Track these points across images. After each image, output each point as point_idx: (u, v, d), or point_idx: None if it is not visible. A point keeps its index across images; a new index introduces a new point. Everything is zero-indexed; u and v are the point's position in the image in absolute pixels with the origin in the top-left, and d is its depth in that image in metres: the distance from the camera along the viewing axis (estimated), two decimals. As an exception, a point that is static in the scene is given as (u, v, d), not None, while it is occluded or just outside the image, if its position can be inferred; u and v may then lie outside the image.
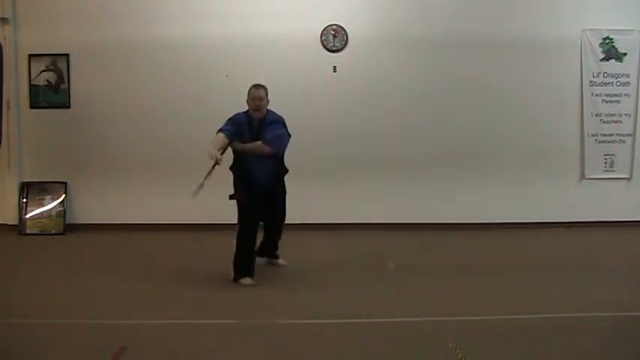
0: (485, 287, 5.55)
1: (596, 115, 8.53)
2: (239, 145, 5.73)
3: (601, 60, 8.48)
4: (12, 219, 8.22)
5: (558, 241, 7.88)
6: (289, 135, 5.87)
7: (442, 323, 4.52)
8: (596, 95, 8.52)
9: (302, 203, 7.11)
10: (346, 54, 8.27)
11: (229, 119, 5.83)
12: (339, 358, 3.97)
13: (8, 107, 8.01)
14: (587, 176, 8.55)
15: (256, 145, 5.66)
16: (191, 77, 8.22)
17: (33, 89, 8.23)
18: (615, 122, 8.56)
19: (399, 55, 8.26)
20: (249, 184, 5.72)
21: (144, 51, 8.16)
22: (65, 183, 8.26)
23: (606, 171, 8.58)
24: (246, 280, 5.57)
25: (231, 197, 5.74)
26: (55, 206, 8.20)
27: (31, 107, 8.25)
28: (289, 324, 4.54)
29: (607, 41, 8.46)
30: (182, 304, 5.01)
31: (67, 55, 8.20)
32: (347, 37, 8.24)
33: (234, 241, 5.64)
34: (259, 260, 6.00)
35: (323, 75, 8.11)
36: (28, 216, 8.16)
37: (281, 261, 6.21)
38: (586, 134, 8.53)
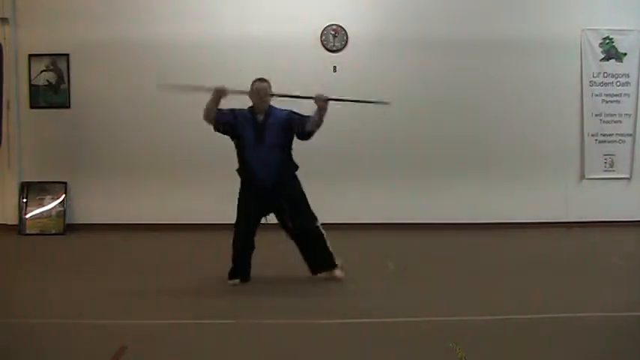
0: (485, 287, 5.55)
1: (596, 115, 8.54)
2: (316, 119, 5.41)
3: (601, 60, 8.48)
4: (12, 219, 8.23)
5: (558, 241, 7.88)
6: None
7: (442, 323, 4.51)
8: (596, 95, 8.52)
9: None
10: (346, 54, 8.27)
11: (232, 109, 5.62)
12: (339, 358, 3.97)
13: (8, 107, 8.02)
14: (587, 176, 8.55)
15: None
16: (191, 77, 8.19)
17: (33, 89, 8.24)
18: (615, 122, 8.56)
19: (399, 55, 8.27)
20: (254, 187, 5.54)
21: (144, 51, 8.17)
22: (65, 183, 8.26)
23: (606, 171, 8.59)
24: (233, 281, 5.56)
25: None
26: (55, 206, 8.20)
27: (31, 107, 8.26)
28: (289, 324, 4.53)
29: (607, 41, 8.46)
30: (182, 304, 5.01)
31: (67, 55, 8.21)
32: (347, 37, 8.24)
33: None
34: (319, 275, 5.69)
35: (323, 75, 8.12)
36: (28, 216, 8.16)
37: (338, 272, 5.65)
38: (586, 134, 8.53)
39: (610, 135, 8.58)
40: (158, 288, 5.47)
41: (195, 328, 4.46)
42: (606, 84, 8.52)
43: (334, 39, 8.26)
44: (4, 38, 8.00)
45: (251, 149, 5.52)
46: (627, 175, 8.61)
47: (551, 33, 8.34)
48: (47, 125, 8.27)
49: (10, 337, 4.29)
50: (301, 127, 5.53)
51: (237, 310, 4.90)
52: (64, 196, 8.23)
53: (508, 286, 5.57)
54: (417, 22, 8.31)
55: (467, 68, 8.34)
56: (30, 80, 8.23)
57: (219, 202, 8.10)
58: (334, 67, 8.24)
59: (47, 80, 8.24)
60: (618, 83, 8.53)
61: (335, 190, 8.06)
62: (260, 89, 5.57)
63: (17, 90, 8.18)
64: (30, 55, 8.20)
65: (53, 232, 8.11)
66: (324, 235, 5.62)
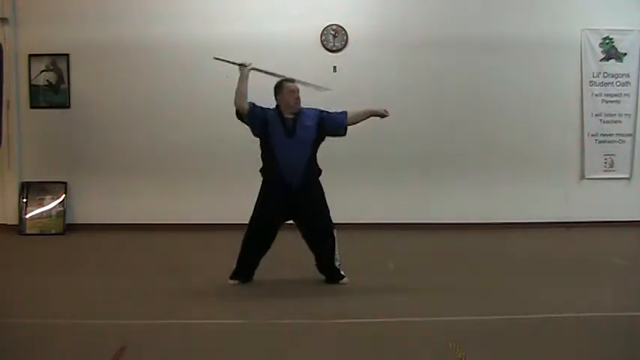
0: (485, 287, 5.54)
1: (596, 115, 8.54)
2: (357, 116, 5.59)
3: (601, 60, 8.49)
4: (12, 219, 8.23)
5: (558, 241, 7.88)
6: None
7: (442, 323, 4.51)
8: (596, 95, 8.52)
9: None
10: (346, 54, 8.28)
11: (262, 107, 5.49)
12: (338, 358, 3.97)
13: (8, 107, 8.02)
14: (587, 176, 8.55)
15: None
16: (191, 77, 8.22)
17: (33, 89, 8.24)
18: (615, 122, 8.57)
19: (399, 55, 8.27)
20: (280, 188, 5.41)
21: (144, 51, 8.17)
22: (65, 183, 8.26)
23: (606, 171, 8.59)
24: (232, 281, 5.55)
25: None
26: (55, 206, 8.20)
27: (31, 107, 8.26)
28: (289, 324, 4.53)
29: (607, 41, 8.46)
30: (182, 304, 5.01)
31: (67, 55, 8.21)
32: (347, 37, 8.25)
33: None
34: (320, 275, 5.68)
35: (323, 75, 8.10)
36: (28, 216, 8.16)
37: (345, 280, 5.60)
38: (586, 134, 8.54)
39: (610, 135, 8.58)
40: (158, 288, 5.47)
41: (195, 328, 4.46)
42: (606, 84, 8.52)
43: (334, 39, 8.26)
44: (4, 38, 8.00)
45: (282, 148, 5.40)
46: (627, 175, 8.61)
47: (551, 33, 8.34)
48: (47, 125, 8.27)
49: (10, 337, 4.29)
50: (336, 126, 5.57)
51: (237, 311, 4.89)
52: (64, 196, 8.23)
53: (508, 286, 5.57)
54: (417, 23, 8.31)
55: (467, 68, 8.34)
56: (30, 80, 8.23)
57: (220, 202, 8.16)
58: (334, 67, 8.24)
59: (47, 80, 8.25)
60: (618, 83, 8.53)
61: (335, 190, 8.04)
62: (295, 89, 5.52)
63: (17, 90, 8.18)
64: (30, 55, 8.20)
65: (53, 232, 8.11)
66: (336, 246, 5.58)
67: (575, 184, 8.56)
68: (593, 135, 8.55)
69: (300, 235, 5.66)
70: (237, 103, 5.47)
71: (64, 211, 8.21)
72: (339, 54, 8.27)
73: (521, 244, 7.67)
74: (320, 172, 5.63)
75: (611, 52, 8.49)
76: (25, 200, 8.20)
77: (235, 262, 5.57)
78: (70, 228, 8.18)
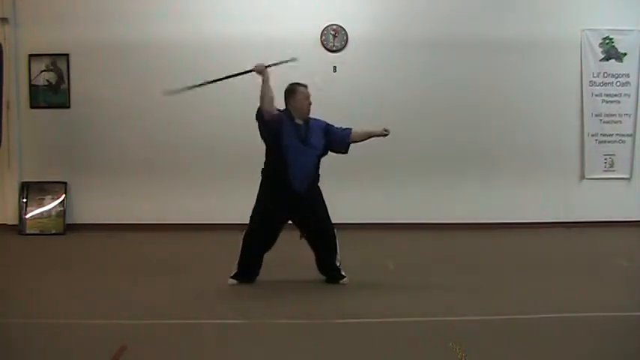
0: (485, 287, 5.54)
1: (596, 115, 8.54)
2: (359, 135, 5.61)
3: (601, 60, 8.49)
4: (12, 219, 8.23)
5: (558, 241, 7.88)
6: None
7: (442, 323, 4.52)
8: (596, 95, 8.52)
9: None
10: (346, 54, 8.28)
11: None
12: (338, 358, 3.97)
13: (8, 107, 8.02)
14: (587, 176, 8.56)
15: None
16: (191, 77, 8.19)
17: (33, 89, 8.24)
18: (615, 122, 8.57)
19: (399, 55, 8.27)
20: (285, 190, 5.38)
21: (144, 51, 8.17)
22: (65, 183, 8.26)
23: (606, 171, 8.59)
24: (232, 281, 5.54)
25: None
26: (55, 206, 8.20)
27: (31, 107, 8.26)
28: (289, 324, 4.53)
29: (607, 41, 8.46)
30: (182, 304, 5.01)
31: (67, 55, 8.22)
32: (347, 37, 8.25)
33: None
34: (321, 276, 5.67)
35: (323, 75, 8.11)
36: (28, 216, 8.16)
37: (345, 280, 5.59)
38: (586, 134, 8.54)
39: (610, 135, 8.58)
40: (158, 288, 5.47)
41: (195, 328, 4.46)
42: (606, 84, 8.52)
43: (334, 39, 8.26)
44: (4, 38, 8.01)
45: (295, 152, 5.36)
46: (627, 175, 8.61)
47: (552, 33, 8.34)
48: (47, 125, 8.27)
49: (10, 337, 4.29)
50: (339, 141, 5.58)
51: (237, 311, 4.89)
52: (64, 196, 8.24)
53: (508, 286, 5.57)
54: (417, 22, 8.31)
55: (466, 68, 8.34)
56: (30, 80, 8.23)
57: (220, 202, 8.15)
58: (334, 67, 8.24)
59: (47, 80, 8.25)
60: (618, 83, 8.54)
61: (335, 190, 8.05)
62: (309, 95, 5.51)
63: (17, 90, 8.18)
64: (30, 55, 8.20)
65: (53, 232, 8.11)
66: (337, 247, 5.58)
67: (575, 184, 8.56)
68: (593, 135, 8.56)
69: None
70: (266, 108, 5.33)
71: (64, 211, 8.21)
72: (339, 54, 8.27)
73: (521, 244, 7.67)
74: (319, 177, 5.66)
75: (611, 52, 8.49)
76: (25, 200, 8.20)
77: (236, 263, 5.56)
78: (70, 228, 8.18)
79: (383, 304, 5.00)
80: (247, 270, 5.55)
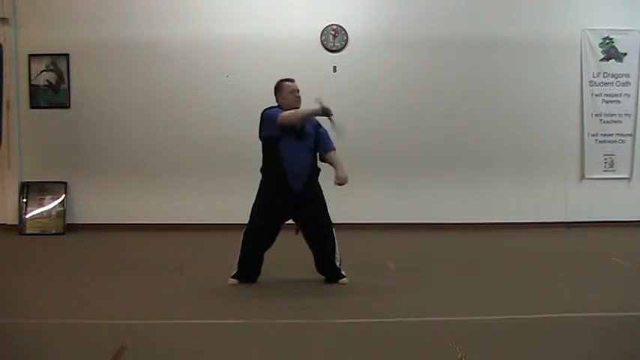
0: (485, 287, 5.55)
1: (596, 115, 8.54)
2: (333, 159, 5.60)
3: (601, 60, 8.49)
4: (12, 219, 8.23)
5: (558, 241, 7.88)
6: None
7: (442, 323, 4.52)
8: (596, 95, 8.52)
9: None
10: (346, 54, 8.28)
11: (271, 108, 5.48)
12: (339, 358, 3.97)
13: (8, 107, 8.02)
14: (587, 176, 8.55)
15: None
16: (191, 77, 8.22)
17: (33, 89, 8.24)
18: (615, 122, 8.57)
19: (398, 55, 8.27)
20: (283, 189, 5.39)
21: (144, 51, 8.17)
22: (65, 183, 8.26)
23: (606, 171, 8.59)
24: (232, 281, 5.54)
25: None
26: (55, 206, 8.20)
27: (31, 107, 8.26)
28: (289, 324, 4.53)
29: (607, 41, 8.46)
30: (182, 304, 5.01)
31: (67, 55, 8.22)
32: (347, 37, 8.25)
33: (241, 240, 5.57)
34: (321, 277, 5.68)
35: (323, 75, 8.12)
36: (28, 216, 8.16)
37: (345, 280, 5.59)
38: (586, 134, 8.54)
39: (610, 135, 8.58)
40: (158, 288, 5.47)
41: (195, 328, 4.46)
42: (606, 84, 8.52)
43: (334, 39, 8.26)
44: (4, 38, 8.00)
45: (291, 150, 5.40)
46: (627, 175, 8.61)
47: (552, 33, 8.34)
48: (47, 125, 8.27)
49: (10, 337, 4.29)
50: (323, 146, 5.60)
51: (236, 310, 4.90)
52: (64, 196, 8.23)
53: (508, 286, 5.57)
54: (417, 23, 8.31)
55: (467, 68, 8.34)
56: (30, 80, 8.23)
57: (220, 202, 8.15)
58: (334, 67, 8.24)
59: (47, 80, 8.25)
60: (618, 83, 8.53)
61: (335, 191, 8.06)
62: (295, 89, 5.55)
63: (17, 90, 8.18)
64: (30, 55, 8.20)
65: (53, 232, 8.11)
66: (336, 246, 5.57)
67: (575, 184, 8.56)
68: (593, 135, 8.55)
69: (302, 235, 5.65)
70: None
71: (64, 211, 8.21)
72: (339, 54, 8.27)
73: (521, 244, 7.67)
74: (319, 171, 5.64)
75: (611, 52, 8.49)
76: (25, 200, 8.20)
77: (236, 262, 5.56)
78: (70, 228, 8.18)
79: (383, 304, 5.00)
80: (247, 269, 5.55)
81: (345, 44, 8.26)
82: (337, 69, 8.24)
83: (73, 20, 8.15)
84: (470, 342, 4.04)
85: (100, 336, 4.26)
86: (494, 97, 8.41)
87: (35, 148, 8.29)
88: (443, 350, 3.89)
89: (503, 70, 8.39)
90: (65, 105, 8.27)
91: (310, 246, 5.63)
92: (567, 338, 4.26)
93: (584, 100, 8.50)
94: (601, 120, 8.55)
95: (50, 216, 8.20)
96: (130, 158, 8.26)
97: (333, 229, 5.62)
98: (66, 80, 8.25)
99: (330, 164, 5.65)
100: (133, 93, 8.22)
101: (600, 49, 8.48)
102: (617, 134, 8.58)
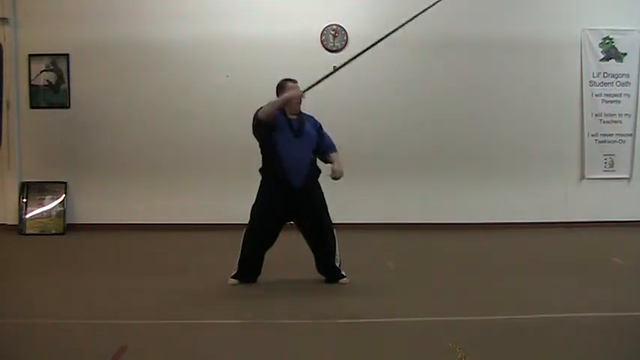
0: (485, 287, 5.55)
1: (596, 115, 8.54)
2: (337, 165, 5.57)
3: (601, 60, 8.49)
4: (12, 219, 8.23)
5: (558, 241, 7.88)
6: None
7: (442, 323, 4.52)
8: (596, 95, 8.52)
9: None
10: (346, 54, 8.26)
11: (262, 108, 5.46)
12: (338, 358, 3.97)
13: (8, 107, 8.01)
14: (587, 176, 8.55)
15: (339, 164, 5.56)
16: (191, 77, 8.22)
17: (33, 89, 8.24)
18: (615, 122, 8.57)
19: (398, 55, 8.26)
20: (282, 188, 5.39)
21: (144, 51, 8.17)
22: (65, 183, 8.26)
23: (606, 171, 8.59)
24: (232, 281, 5.54)
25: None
26: (55, 206, 8.20)
27: (31, 107, 8.26)
28: (289, 324, 4.53)
29: (607, 41, 8.46)
30: (182, 304, 5.01)
31: (67, 55, 8.21)
32: (347, 37, 8.25)
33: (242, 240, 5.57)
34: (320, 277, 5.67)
35: (323, 75, 8.09)
36: (28, 216, 8.16)
37: (345, 280, 5.60)
38: (586, 134, 8.54)
39: (610, 135, 8.58)
40: (158, 288, 5.47)
41: (195, 328, 4.46)
42: (606, 84, 8.52)
43: (334, 39, 8.26)
44: (4, 38, 8.00)
45: (289, 147, 5.39)
46: (627, 175, 8.61)
47: (551, 33, 8.34)
48: (47, 125, 8.27)
49: (10, 337, 4.29)
50: (324, 148, 5.61)
51: (236, 310, 4.90)
52: (64, 196, 8.23)
53: (508, 286, 5.56)
54: (417, 23, 8.23)
55: (467, 68, 8.34)
56: (30, 80, 8.23)
57: (220, 202, 8.15)
58: (334, 67, 8.22)
59: (47, 80, 8.24)
60: (618, 83, 8.54)
61: (335, 190, 8.06)
62: (297, 89, 5.56)
63: (17, 90, 8.18)
64: (30, 55, 8.20)
65: (53, 232, 8.11)
66: (336, 246, 5.58)
67: (575, 184, 8.56)
68: (593, 135, 8.55)
69: (302, 234, 5.65)
70: (265, 117, 5.34)
71: (64, 211, 8.21)
72: (339, 54, 8.26)
73: (521, 244, 7.66)
74: (319, 172, 5.63)
75: (611, 52, 8.50)
76: (25, 200, 8.19)
77: (236, 262, 5.56)
78: (70, 228, 8.18)
79: (383, 304, 5.00)
80: (248, 269, 5.55)
81: (345, 44, 8.26)
82: (337, 69, 8.22)
83: (73, 20, 8.15)
84: (470, 342, 4.04)
85: (100, 336, 4.26)
86: (494, 97, 8.41)
87: (35, 148, 8.28)
88: (443, 350, 3.89)
89: (504, 70, 8.39)
90: (65, 105, 8.27)
91: (310, 246, 5.63)
92: (567, 338, 4.26)
93: (584, 100, 8.50)
94: (601, 120, 8.55)
95: (50, 216, 8.20)
96: (130, 158, 8.26)
97: (334, 230, 5.62)
98: (66, 80, 8.25)
99: (331, 163, 5.64)
100: (133, 93, 8.22)
101: (600, 49, 8.49)
102: (617, 134, 8.59)
